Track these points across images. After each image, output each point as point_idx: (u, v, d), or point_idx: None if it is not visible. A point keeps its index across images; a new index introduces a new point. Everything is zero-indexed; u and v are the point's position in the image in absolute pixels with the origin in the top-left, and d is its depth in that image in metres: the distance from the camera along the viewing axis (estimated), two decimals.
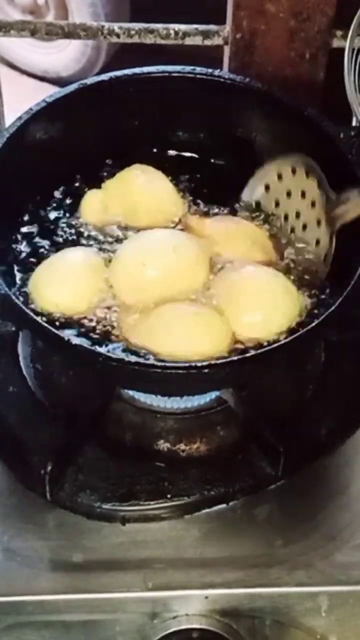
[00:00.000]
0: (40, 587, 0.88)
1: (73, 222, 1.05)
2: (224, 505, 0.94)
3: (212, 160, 1.14)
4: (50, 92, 1.08)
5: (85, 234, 1.04)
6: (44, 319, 0.92)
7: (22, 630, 0.90)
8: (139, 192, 1.05)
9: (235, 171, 1.10)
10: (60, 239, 1.03)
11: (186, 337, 0.91)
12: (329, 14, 1.22)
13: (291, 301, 0.96)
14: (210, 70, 1.11)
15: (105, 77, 1.11)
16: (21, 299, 0.93)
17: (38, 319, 0.90)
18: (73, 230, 1.04)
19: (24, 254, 1.01)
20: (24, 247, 1.02)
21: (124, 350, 0.91)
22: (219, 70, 1.13)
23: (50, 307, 0.94)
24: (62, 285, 0.95)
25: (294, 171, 1.02)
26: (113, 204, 1.05)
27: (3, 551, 0.90)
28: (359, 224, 0.97)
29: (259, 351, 0.91)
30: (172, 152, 1.14)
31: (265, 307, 0.94)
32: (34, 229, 1.04)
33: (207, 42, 1.26)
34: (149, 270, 0.96)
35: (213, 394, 1.00)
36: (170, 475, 0.94)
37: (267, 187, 1.05)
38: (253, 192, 1.06)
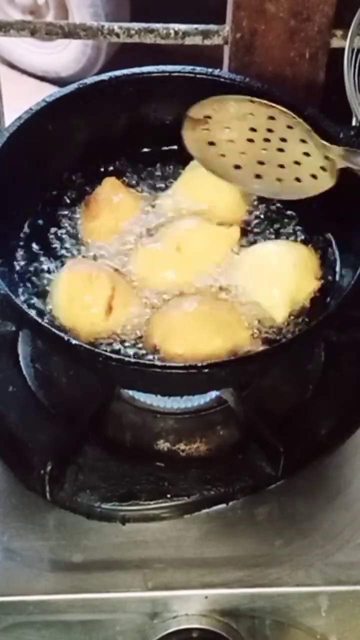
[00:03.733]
0: (40, 587, 0.88)
1: (73, 222, 1.05)
2: (224, 505, 0.94)
3: None
4: (50, 92, 1.09)
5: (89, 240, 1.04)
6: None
7: (22, 630, 0.90)
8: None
9: None
10: (60, 239, 1.03)
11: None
12: (329, 14, 1.22)
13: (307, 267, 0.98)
14: (210, 70, 1.11)
15: (105, 77, 1.11)
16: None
17: (38, 319, 0.90)
18: (73, 231, 1.04)
19: (22, 256, 1.01)
20: (23, 247, 1.02)
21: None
22: (219, 70, 1.14)
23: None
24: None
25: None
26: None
27: (3, 551, 0.90)
28: None
29: (259, 351, 0.91)
30: (172, 152, 1.14)
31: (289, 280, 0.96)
32: (33, 228, 1.04)
33: (207, 42, 1.26)
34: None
35: (213, 394, 1.00)
36: (170, 475, 0.95)
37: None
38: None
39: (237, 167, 0.95)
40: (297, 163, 0.94)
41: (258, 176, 0.96)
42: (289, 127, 0.93)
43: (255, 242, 1.03)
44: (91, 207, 1.04)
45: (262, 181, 0.95)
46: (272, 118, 0.93)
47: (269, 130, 0.94)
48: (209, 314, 0.93)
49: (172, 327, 0.92)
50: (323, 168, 0.96)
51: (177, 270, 0.98)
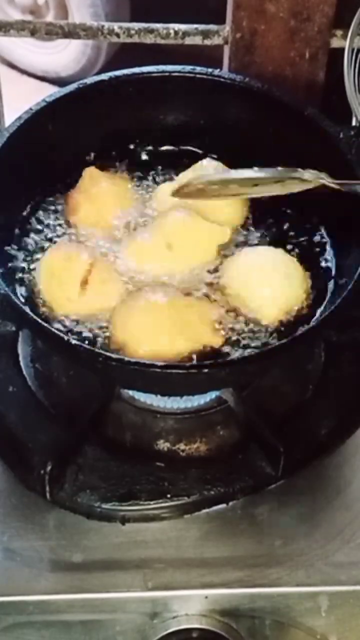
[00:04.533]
0: (40, 587, 0.88)
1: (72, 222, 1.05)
2: (224, 505, 0.94)
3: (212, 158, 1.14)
4: (50, 92, 1.09)
5: (83, 232, 1.04)
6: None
7: (22, 630, 0.90)
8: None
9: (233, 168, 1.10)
10: (59, 239, 1.03)
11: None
12: (329, 14, 1.22)
13: (298, 279, 0.98)
14: (210, 70, 1.11)
15: (105, 77, 1.11)
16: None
17: (38, 319, 0.90)
18: (73, 230, 1.04)
19: (22, 255, 1.01)
20: (23, 247, 1.02)
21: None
22: (219, 70, 1.14)
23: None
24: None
25: None
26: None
27: (3, 551, 0.90)
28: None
29: (259, 351, 0.91)
30: (172, 151, 1.14)
31: (276, 284, 0.97)
32: (33, 228, 1.04)
33: (207, 42, 1.26)
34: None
35: (213, 394, 1.00)
36: (170, 475, 0.94)
37: None
38: None
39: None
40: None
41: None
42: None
43: (247, 243, 1.03)
44: (70, 201, 1.04)
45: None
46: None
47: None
48: (169, 311, 0.93)
49: (133, 326, 0.92)
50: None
51: (165, 264, 0.99)
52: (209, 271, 1.00)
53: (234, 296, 0.97)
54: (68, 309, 0.95)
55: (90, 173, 1.06)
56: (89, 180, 1.05)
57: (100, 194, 1.04)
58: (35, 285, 0.97)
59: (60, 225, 1.05)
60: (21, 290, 0.97)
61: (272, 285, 0.97)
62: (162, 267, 0.99)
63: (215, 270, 1.00)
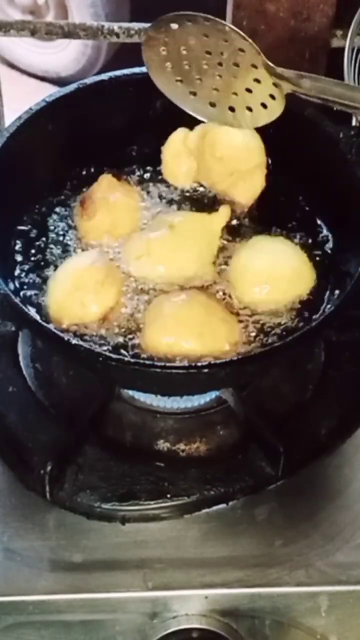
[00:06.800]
0: (40, 587, 0.88)
1: (72, 221, 1.05)
2: (224, 505, 0.94)
3: None
4: (50, 92, 1.09)
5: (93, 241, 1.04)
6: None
7: (22, 630, 0.90)
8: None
9: None
10: (59, 238, 1.03)
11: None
12: (329, 14, 1.22)
13: (303, 269, 0.99)
14: None
15: (105, 77, 1.11)
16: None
17: (38, 318, 0.90)
18: (72, 230, 1.04)
19: (22, 255, 1.01)
20: (23, 246, 1.02)
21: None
22: None
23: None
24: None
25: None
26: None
27: (3, 551, 0.90)
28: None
29: (258, 351, 0.91)
30: None
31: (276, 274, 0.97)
32: (33, 228, 1.04)
33: None
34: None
35: (213, 394, 1.00)
36: (170, 475, 0.94)
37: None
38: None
39: (193, 93, 0.96)
40: (248, 91, 0.95)
41: (212, 104, 0.96)
42: (241, 49, 0.93)
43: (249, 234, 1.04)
44: (87, 206, 1.04)
45: (216, 109, 0.96)
46: (225, 41, 0.93)
47: (222, 53, 0.94)
48: (201, 316, 0.93)
49: (162, 314, 0.92)
50: (272, 96, 0.96)
51: (173, 250, 0.99)
52: (215, 263, 1.00)
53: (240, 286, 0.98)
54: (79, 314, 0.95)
55: (108, 180, 1.05)
56: (106, 187, 1.05)
57: (116, 203, 1.04)
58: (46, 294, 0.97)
59: (61, 227, 1.05)
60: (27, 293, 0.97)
61: (278, 272, 0.97)
62: (167, 258, 0.98)
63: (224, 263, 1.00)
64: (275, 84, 0.93)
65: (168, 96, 0.98)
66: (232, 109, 0.96)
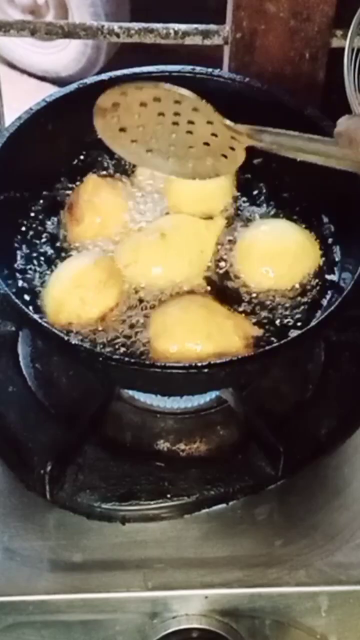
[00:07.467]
0: (40, 587, 0.88)
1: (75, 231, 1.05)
2: (224, 505, 0.94)
3: None
4: (50, 92, 1.09)
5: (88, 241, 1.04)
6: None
7: (22, 630, 0.90)
8: None
9: None
10: (59, 238, 1.03)
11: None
12: (329, 14, 1.22)
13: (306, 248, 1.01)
14: (210, 70, 1.11)
15: (105, 77, 1.11)
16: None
17: (38, 318, 0.90)
18: (75, 235, 1.04)
19: (22, 255, 1.01)
20: (23, 246, 1.02)
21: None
22: (219, 70, 1.14)
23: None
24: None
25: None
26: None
27: (3, 551, 0.90)
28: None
29: (258, 351, 0.91)
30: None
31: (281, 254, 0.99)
32: (33, 228, 1.04)
33: (207, 42, 1.25)
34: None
35: (213, 394, 1.00)
36: (170, 475, 0.95)
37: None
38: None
39: (149, 150, 0.96)
40: (206, 144, 0.95)
41: (170, 159, 0.96)
42: (195, 109, 0.94)
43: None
44: (74, 211, 1.03)
45: (175, 163, 0.96)
46: (177, 102, 0.94)
47: (176, 114, 0.95)
48: (204, 317, 0.93)
49: (166, 325, 0.92)
50: (232, 147, 0.96)
51: (163, 258, 0.99)
52: (217, 260, 1.01)
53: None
54: (78, 311, 0.94)
55: (94, 182, 1.05)
56: (92, 189, 1.04)
57: (103, 204, 1.03)
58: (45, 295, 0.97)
59: (60, 224, 1.05)
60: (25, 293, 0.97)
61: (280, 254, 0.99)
62: (161, 263, 0.98)
63: (222, 259, 1.01)
64: (233, 137, 0.94)
65: (127, 159, 0.99)
66: (191, 162, 0.97)
